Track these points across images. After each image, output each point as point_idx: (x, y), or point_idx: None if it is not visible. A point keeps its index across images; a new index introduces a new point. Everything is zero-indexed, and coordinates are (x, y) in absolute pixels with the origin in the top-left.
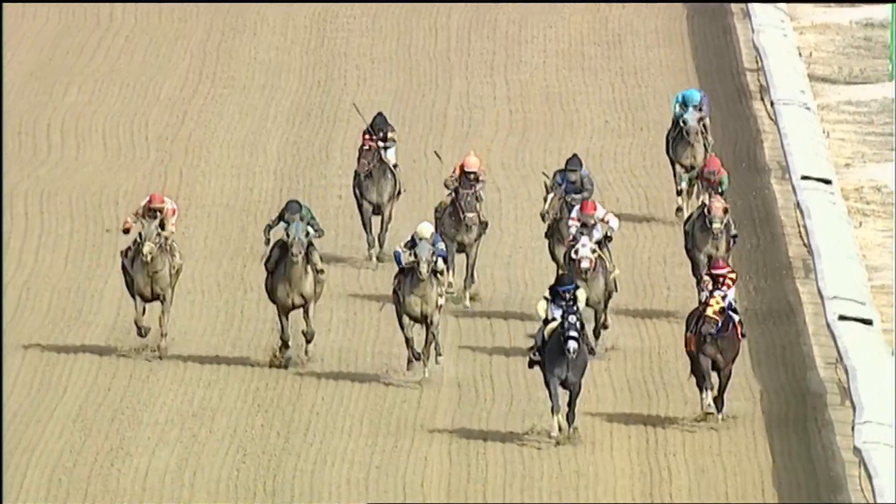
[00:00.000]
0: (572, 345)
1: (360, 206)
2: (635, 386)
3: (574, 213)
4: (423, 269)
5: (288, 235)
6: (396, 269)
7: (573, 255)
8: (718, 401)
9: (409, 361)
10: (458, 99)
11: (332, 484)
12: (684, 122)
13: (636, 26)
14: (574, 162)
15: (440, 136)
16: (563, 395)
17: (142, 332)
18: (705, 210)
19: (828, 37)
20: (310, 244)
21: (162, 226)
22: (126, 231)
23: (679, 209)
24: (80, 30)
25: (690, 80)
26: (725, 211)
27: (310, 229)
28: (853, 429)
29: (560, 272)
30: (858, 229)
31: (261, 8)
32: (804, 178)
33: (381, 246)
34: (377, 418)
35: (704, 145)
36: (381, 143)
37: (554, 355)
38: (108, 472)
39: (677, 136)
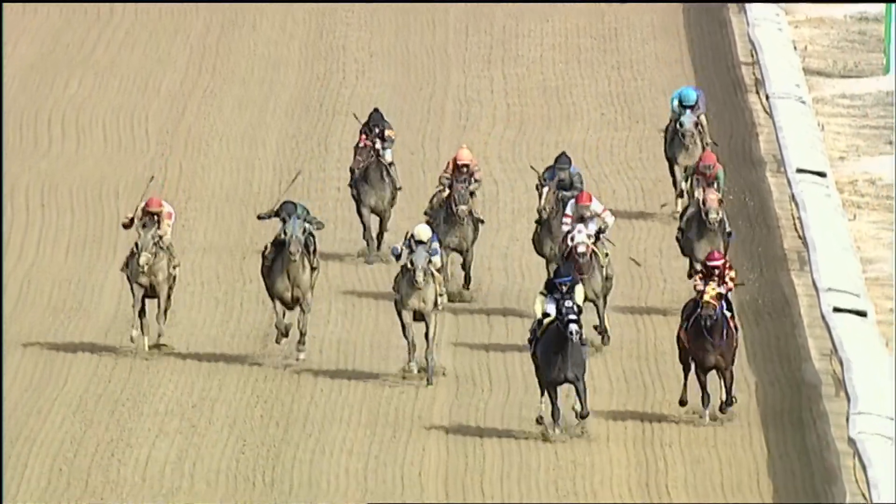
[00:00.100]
0: (573, 327)
1: (359, 212)
2: (631, 377)
3: (569, 209)
4: (419, 277)
5: (285, 233)
6: (394, 263)
7: (569, 242)
8: (728, 401)
9: (409, 360)
10: (455, 92)
11: (330, 474)
12: (681, 125)
13: (632, 20)
14: (563, 160)
15: (438, 130)
16: (563, 396)
17: (139, 330)
18: (701, 202)
19: (822, 31)
20: (311, 235)
21: (159, 225)
22: (126, 226)
23: (665, 204)
24: (81, 24)
25: (686, 73)
26: (720, 202)
27: (307, 226)
28: (848, 420)
29: (555, 266)
30: (853, 222)
31: (260, 2)
32: (799, 170)
33: (378, 247)
34: (375, 409)
35: (702, 146)
36: (378, 141)
37: (550, 352)
38: (108, 462)
39: (675, 137)
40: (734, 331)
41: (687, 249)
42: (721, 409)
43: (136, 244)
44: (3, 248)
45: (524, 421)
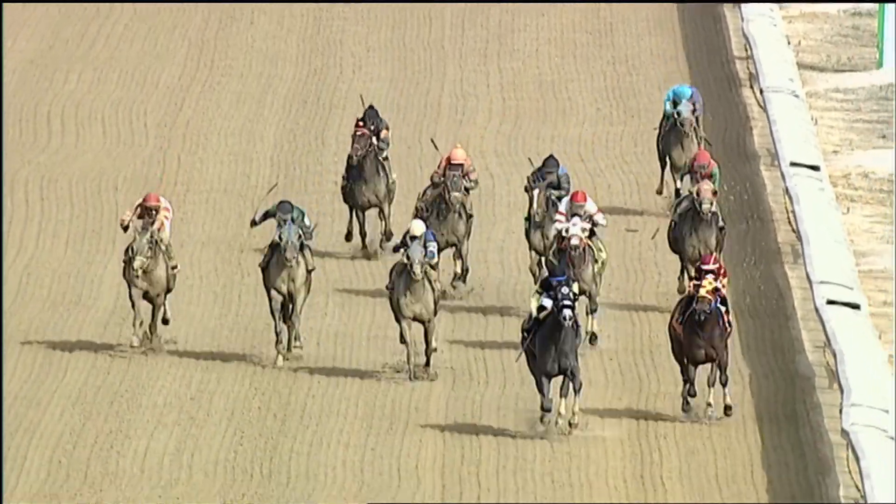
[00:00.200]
0: (567, 312)
1: (350, 209)
2: (626, 369)
3: (563, 206)
4: (417, 269)
5: (280, 238)
6: (390, 257)
7: (563, 234)
8: (723, 379)
9: (408, 362)
10: (451, 87)
11: (327, 466)
12: (678, 114)
13: (627, 15)
14: (550, 163)
15: (434, 124)
16: (555, 388)
17: (146, 335)
18: (695, 192)
19: (816, 25)
20: (302, 245)
21: (154, 221)
22: (125, 228)
23: (660, 192)
24: (80, 18)
25: (681, 68)
26: (714, 193)
27: (301, 231)
28: (841, 411)
29: (543, 258)
30: (846, 215)
31: None
32: (793, 164)
33: (388, 238)
34: (372, 402)
35: (698, 141)
36: (374, 138)
37: (545, 338)
38: (107, 453)
39: (669, 132)
40: (727, 325)
41: (679, 243)
42: (721, 381)
43: (132, 247)
44: (2, 241)
45: (520, 414)
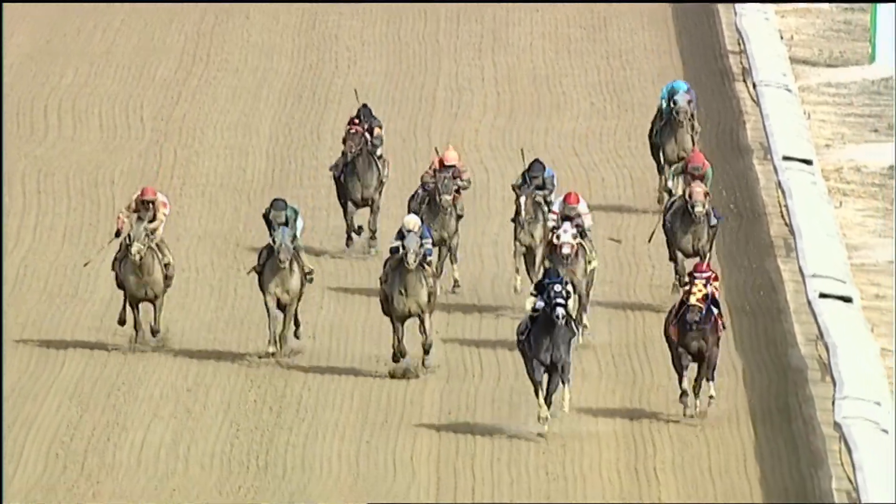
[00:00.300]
0: (560, 311)
1: (343, 205)
2: (620, 363)
3: (556, 206)
4: (411, 259)
5: (274, 241)
6: (383, 253)
7: (554, 241)
8: (697, 388)
9: (395, 358)
10: (446, 81)
11: (323, 458)
12: (675, 103)
13: (621, 9)
14: (536, 167)
15: (429, 118)
16: (546, 382)
17: (131, 326)
18: (687, 195)
19: (809, 20)
20: (296, 247)
21: (153, 218)
22: (118, 234)
23: (660, 201)
24: (77, 13)
25: (674, 62)
26: (706, 195)
27: (294, 233)
28: (833, 404)
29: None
30: (839, 209)
31: None
32: (785, 158)
33: (374, 236)
34: (367, 394)
35: (692, 135)
36: (367, 136)
37: (539, 335)
38: (104, 445)
39: (664, 126)
40: (720, 325)
41: (672, 241)
42: (708, 378)
43: (129, 235)
44: (2, 234)
45: (514, 406)
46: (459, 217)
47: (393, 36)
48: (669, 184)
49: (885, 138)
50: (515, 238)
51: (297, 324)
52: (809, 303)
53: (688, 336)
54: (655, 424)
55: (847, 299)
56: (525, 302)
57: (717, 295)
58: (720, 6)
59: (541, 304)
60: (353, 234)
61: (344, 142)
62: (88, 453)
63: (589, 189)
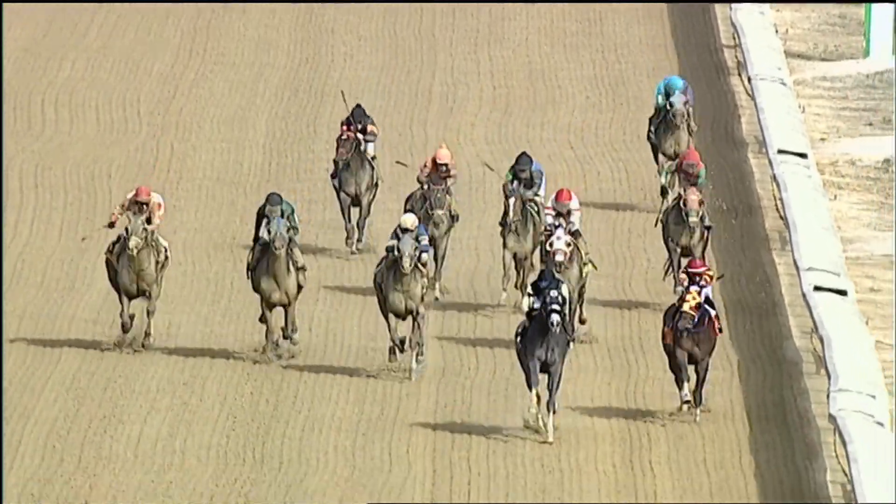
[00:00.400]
0: (555, 318)
1: (338, 198)
2: (615, 355)
3: (550, 202)
4: (406, 263)
5: (269, 232)
6: (378, 249)
7: (548, 248)
8: (697, 394)
9: (392, 353)
10: (442, 75)
11: (319, 451)
12: (671, 105)
13: (616, 4)
14: (523, 160)
15: (425, 112)
16: (542, 380)
17: (125, 327)
18: (681, 202)
19: (804, 14)
20: (290, 240)
21: (148, 220)
22: (111, 225)
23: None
24: (74, 7)
25: (669, 56)
26: (701, 203)
27: (290, 225)
28: (828, 397)
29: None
30: (833, 202)
31: None
32: (780, 151)
33: (360, 236)
34: (364, 387)
35: (689, 132)
36: (360, 136)
37: (535, 335)
38: (101, 438)
39: (661, 124)
40: (716, 328)
41: (667, 243)
42: (692, 404)
43: (126, 229)
44: (2, 228)
45: (510, 399)
46: (455, 217)
47: (389, 30)
48: (663, 181)
49: (879, 132)
50: (504, 245)
51: (293, 328)
52: (804, 296)
53: (683, 340)
54: (651, 418)
55: (842, 292)
56: (521, 302)
57: (710, 285)
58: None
59: (537, 304)
60: (347, 229)
61: (336, 148)
62: (85, 446)
63: (584, 182)
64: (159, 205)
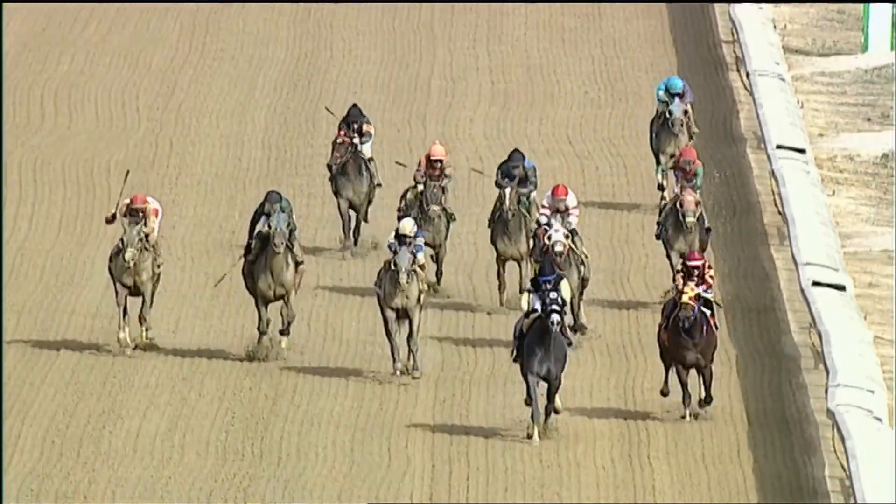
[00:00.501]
0: (556, 318)
1: (337, 203)
2: (614, 350)
3: (545, 200)
4: (403, 279)
5: (270, 227)
6: (374, 252)
7: (546, 240)
8: (707, 398)
9: (394, 361)
10: (441, 70)
11: (318, 445)
12: (669, 114)
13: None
14: (516, 156)
15: (424, 107)
16: (542, 390)
17: (120, 341)
18: (678, 203)
19: (802, 9)
20: (291, 234)
21: (145, 222)
22: (109, 221)
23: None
24: (73, 2)
25: (668, 51)
26: (697, 204)
27: (290, 220)
28: (826, 392)
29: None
30: (832, 197)
31: None
32: (779, 147)
33: (355, 242)
34: (362, 382)
35: (690, 135)
36: (356, 137)
37: (533, 345)
38: (99, 433)
39: (661, 127)
40: (714, 329)
41: (666, 245)
42: (700, 405)
43: (122, 240)
44: (1, 222)
45: (508, 394)
46: (451, 216)
47: (388, 25)
48: (660, 178)
49: (878, 127)
50: (497, 250)
51: (290, 318)
52: (803, 291)
53: (681, 347)
54: (649, 412)
55: (840, 287)
56: (521, 299)
57: (711, 284)
58: None
59: (537, 303)
60: (344, 230)
61: (331, 151)
62: (84, 441)
63: (583, 177)
64: (156, 210)
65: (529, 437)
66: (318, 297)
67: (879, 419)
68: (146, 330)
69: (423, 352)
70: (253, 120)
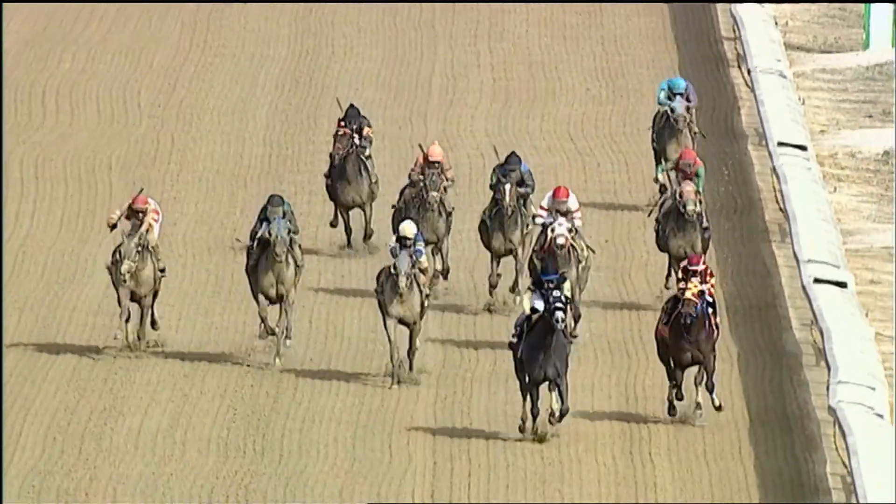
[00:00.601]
0: (559, 315)
1: (336, 208)
2: (615, 347)
3: (545, 201)
4: (402, 282)
5: (270, 234)
6: (378, 253)
7: (549, 233)
8: (709, 383)
9: (392, 373)
10: (442, 67)
11: (319, 442)
12: (672, 111)
13: None
14: (513, 159)
15: (425, 104)
16: (544, 396)
17: (129, 343)
18: (678, 195)
19: (803, 6)
20: (291, 241)
21: (141, 224)
22: (111, 227)
23: (656, 180)
24: (74, 1)
25: (669, 48)
26: (697, 194)
27: (290, 225)
28: (828, 388)
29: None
30: (833, 194)
31: None
32: (780, 144)
33: (367, 238)
34: (364, 379)
35: (692, 136)
36: (356, 138)
37: (533, 349)
38: (101, 430)
39: (663, 127)
40: (715, 328)
41: (663, 243)
42: (707, 387)
43: (119, 251)
44: (1, 219)
45: (510, 391)
46: (449, 214)
47: (389, 22)
48: (660, 177)
49: (879, 124)
50: (492, 249)
51: (289, 319)
52: (804, 288)
53: (681, 345)
54: (650, 409)
55: (841, 284)
56: (522, 299)
57: (712, 291)
58: None
59: (538, 303)
60: (343, 230)
61: (333, 143)
62: (86, 438)
63: (584, 174)
64: (156, 211)
65: (521, 430)
66: (320, 294)
67: (881, 416)
68: (143, 339)
69: (425, 349)
70: (254, 117)
